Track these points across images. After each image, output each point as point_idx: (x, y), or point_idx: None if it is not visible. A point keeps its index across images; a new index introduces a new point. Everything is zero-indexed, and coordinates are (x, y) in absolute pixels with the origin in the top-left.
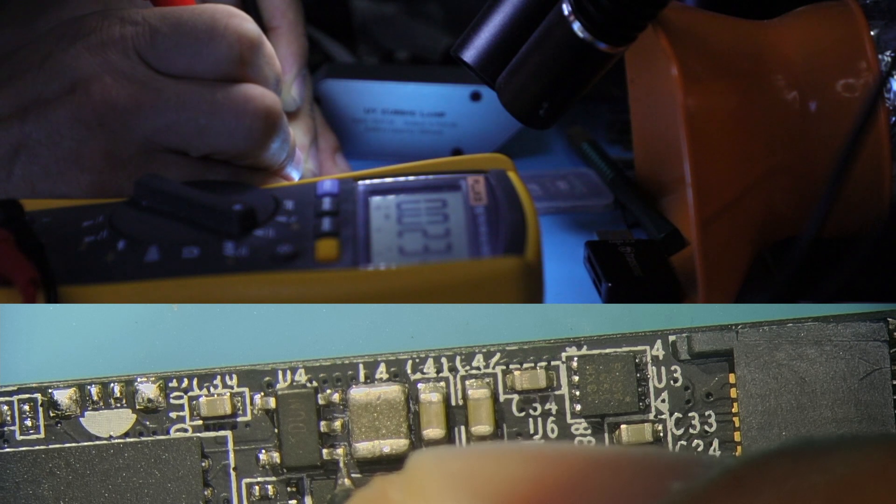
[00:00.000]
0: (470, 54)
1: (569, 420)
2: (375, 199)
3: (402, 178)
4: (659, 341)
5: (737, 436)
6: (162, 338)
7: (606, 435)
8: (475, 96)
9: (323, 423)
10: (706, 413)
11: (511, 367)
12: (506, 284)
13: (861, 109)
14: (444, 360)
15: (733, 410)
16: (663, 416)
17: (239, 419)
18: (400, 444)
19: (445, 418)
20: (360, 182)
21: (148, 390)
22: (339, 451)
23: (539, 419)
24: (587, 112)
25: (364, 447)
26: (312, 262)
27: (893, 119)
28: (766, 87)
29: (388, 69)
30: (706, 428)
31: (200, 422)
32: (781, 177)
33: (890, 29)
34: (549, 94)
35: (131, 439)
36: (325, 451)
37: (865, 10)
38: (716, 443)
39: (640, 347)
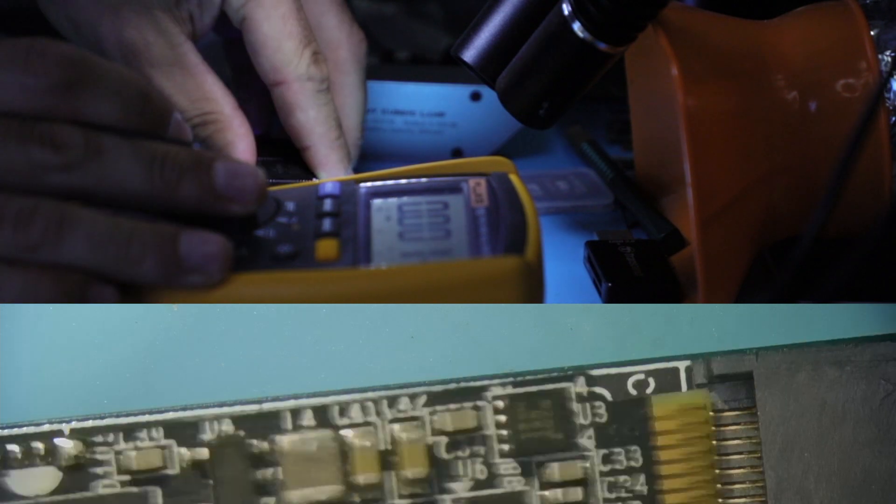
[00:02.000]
0: (470, 54)
1: (497, 460)
2: (377, 201)
3: (403, 181)
4: (582, 378)
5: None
6: (162, 338)
7: (536, 475)
8: (475, 96)
9: (255, 472)
10: (632, 448)
11: (438, 408)
12: (506, 284)
13: (862, 110)
14: (370, 404)
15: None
16: (590, 454)
17: (167, 472)
18: (334, 490)
19: (377, 462)
20: (362, 184)
21: (69, 446)
22: (273, 500)
23: (468, 461)
24: (587, 112)
25: (297, 495)
26: (312, 261)
27: (893, 119)
28: (766, 87)
29: (388, 69)
30: (632, 464)
31: (128, 477)
32: (781, 177)
33: (890, 29)
34: (549, 94)
35: (59, 497)
36: (262, 500)
37: (865, 10)
38: (642, 478)
39: (563, 385)
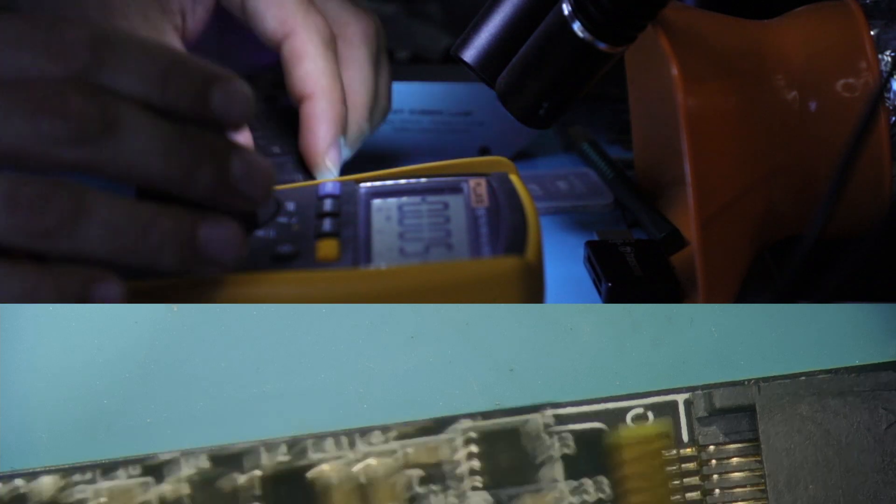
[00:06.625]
0: (470, 54)
1: (468, 493)
2: (377, 202)
3: (403, 181)
4: (549, 410)
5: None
6: (162, 338)
7: None
8: None
9: None
10: (599, 479)
11: (409, 442)
12: (506, 284)
13: (862, 110)
14: (343, 438)
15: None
16: (558, 483)
17: None
18: None
19: (353, 496)
20: (362, 184)
21: (50, 484)
22: None
23: (440, 494)
24: (587, 112)
25: None
26: (313, 261)
27: (893, 119)
28: (766, 87)
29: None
30: (600, 496)
31: None
32: (781, 177)
33: (890, 29)
34: (549, 94)
35: None
36: None
37: (865, 10)
38: None
39: (529, 417)
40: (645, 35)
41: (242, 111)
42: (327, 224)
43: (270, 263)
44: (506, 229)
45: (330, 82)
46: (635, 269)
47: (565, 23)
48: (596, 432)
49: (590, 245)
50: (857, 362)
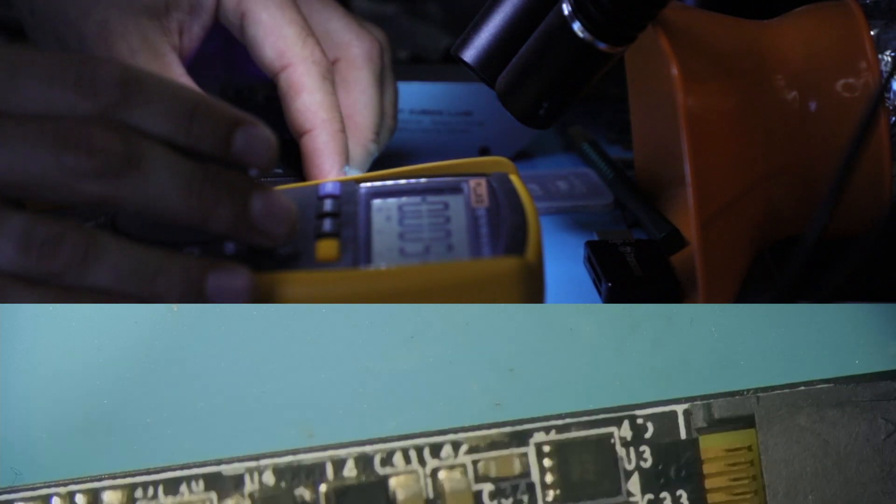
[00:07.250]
0: (470, 54)
1: None
2: (377, 202)
3: (403, 181)
4: (626, 422)
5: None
6: (162, 338)
7: None
8: None
9: None
10: (678, 493)
11: (481, 455)
12: (506, 284)
13: (863, 110)
14: (412, 452)
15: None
16: (635, 499)
17: None
18: None
19: None
20: (362, 185)
21: (113, 499)
22: None
23: None
24: (587, 112)
25: None
26: (313, 262)
27: (893, 119)
28: (766, 87)
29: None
30: None
31: None
32: (781, 177)
33: (890, 29)
34: (549, 94)
35: None
36: None
37: (865, 10)
38: None
39: (608, 429)
40: (645, 35)
41: (264, 155)
42: (327, 224)
43: (271, 264)
44: (506, 229)
45: (328, 114)
46: (635, 269)
47: (565, 23)
48: (676, 444)
49: (590, 245)
50: (857, 362)
